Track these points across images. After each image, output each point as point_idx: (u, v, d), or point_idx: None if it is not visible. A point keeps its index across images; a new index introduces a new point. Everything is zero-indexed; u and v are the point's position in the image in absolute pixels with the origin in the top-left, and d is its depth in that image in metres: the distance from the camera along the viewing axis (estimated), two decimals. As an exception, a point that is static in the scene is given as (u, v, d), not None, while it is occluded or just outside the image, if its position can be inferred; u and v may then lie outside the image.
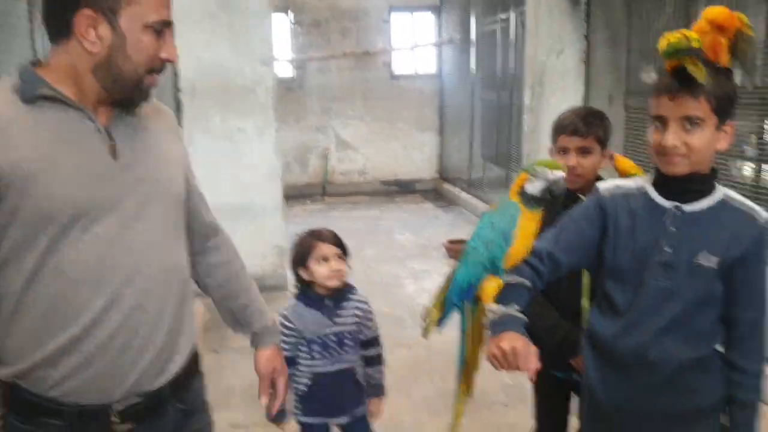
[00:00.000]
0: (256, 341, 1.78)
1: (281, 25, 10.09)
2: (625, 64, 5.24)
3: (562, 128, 2.15)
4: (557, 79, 5.64)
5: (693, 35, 1.58)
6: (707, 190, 1.62)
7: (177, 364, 1.51)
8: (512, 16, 6.96)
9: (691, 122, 1.53)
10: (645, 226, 1.63)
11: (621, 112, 5.19)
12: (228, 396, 3.66)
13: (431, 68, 10.68)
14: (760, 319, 1.66)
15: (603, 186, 1.72)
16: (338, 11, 10.11)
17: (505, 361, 1.46)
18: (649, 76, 4.93)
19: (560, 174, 1.56)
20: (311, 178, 10.39)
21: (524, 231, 1.57)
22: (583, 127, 2.09)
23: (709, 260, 1.58)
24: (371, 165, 10.51)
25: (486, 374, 1.73)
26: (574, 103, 5.68)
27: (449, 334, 1.79)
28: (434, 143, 10.67)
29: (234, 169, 5.29)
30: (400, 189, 10.56)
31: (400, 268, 6.12)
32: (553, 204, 1.67)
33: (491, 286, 1.57)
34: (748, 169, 4.16)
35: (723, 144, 1.60)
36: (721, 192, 1.63)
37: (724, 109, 1.56)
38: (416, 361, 4.12)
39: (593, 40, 5.54)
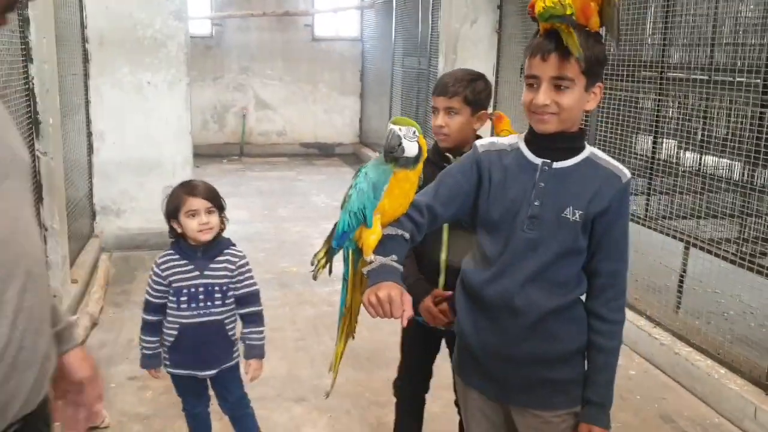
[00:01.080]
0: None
1: (201, -20, 9.84)
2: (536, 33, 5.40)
3: (434, 89, 2.27)
4: (470, 47, 5.77)
5: (567, 1, 1.69)
6: (576, 149, 1.72)
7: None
8: (432, -18, 7.02)
9: (561, 82, 1.59)
10: (516, 180, 1.70)
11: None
12: (128, 349, 3.66)
13: (354, 32, 10.66)
14: (620, 270, 1.78)
15: (479, 143, 1.77)
16: (260, -31, 9.92)
17: (381, 309, 1.47)
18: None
19: (393, 127, 1.55)
20: (229, 137, 10.26)
21: (397, 188, 1.58)
22: (450, 87, 2.19)
23: (573, 214, 1.67)
24: (290, 127, 10.46)
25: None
26: (485, 69, 5.80)
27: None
28: (356, 107, 10.71)
29: (143, 123, 5.20)
30: (320, 152, 10.57)
31: (312, 228, 6.17)
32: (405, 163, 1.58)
33: (372, 237, 1.59)
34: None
35: (591, 105, 1.70)
36: (588, 150, 1.74)
37: (593, 71, 1.64)
38: (320, 317, 4.22)
39: (506, 11, 5.68)
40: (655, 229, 4.10)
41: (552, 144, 1.69)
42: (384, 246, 1.61)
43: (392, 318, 1.48)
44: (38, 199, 3.63)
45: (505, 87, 5.74)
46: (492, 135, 2.24)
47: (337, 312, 1.80)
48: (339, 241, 1.65)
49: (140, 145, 5.22)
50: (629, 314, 3.93)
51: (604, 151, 1.78)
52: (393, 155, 1.56)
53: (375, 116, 9.92)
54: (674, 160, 4.17)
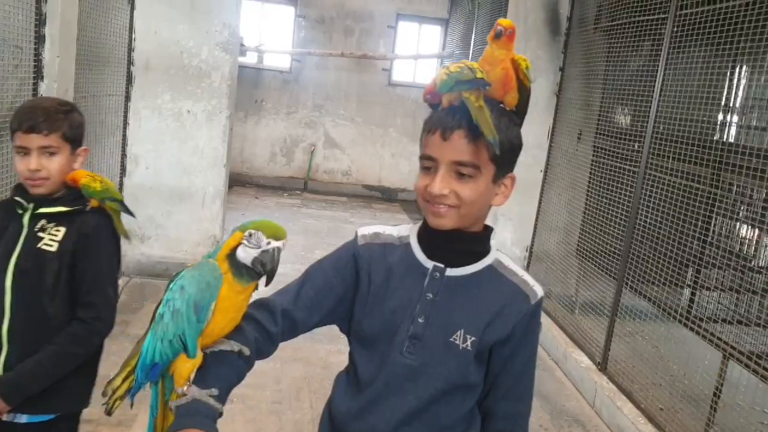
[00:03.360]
0: None
1: (286, 17, 9.99)
2: (599, 102, 5.01)
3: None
4: (525, 108, 5.42)
5: (475, 65, 1.36)
6: (477, 253, 1.37)
7: None
8: (503, 37, 6.74)
9: (464, 169, 1.27)
10: (400, 286, 1.34)
11: (589, 151, 4.97)
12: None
13: (431, 80, 10.49)
14: (521, 413, 1.40)
15: (361, 232, 1.44)
16: (345, 11, 9.98)
17: None
18: (625, 119, 4.73)
19: (278, 244, 1.19)
20: (295, 172, 10.25)
21: (227, 303, 1.19)
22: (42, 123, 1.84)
23: (465, 339, 1.31)
24: (356, 167, 10.35)
25: None
26: (539, 135, 5.49)
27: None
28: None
29: (178, 151, 5.14)
30: (382, 196, 10.40)
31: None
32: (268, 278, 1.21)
33: (182, 366, 1.19)
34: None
35: (499, 199, 1.36)
36: (492, 256, 1.38)
37: (505, 158, 1.31)
38: (307, 379, 3.93)
39: (568, 74, 5.32)
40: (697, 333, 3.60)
41: (448, 244, 1.34)
42: (206, 372, 1.20)
43: None
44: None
45: (558, 153, 5.36)
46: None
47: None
48: (149, 375, 1.21)
49: (173, 173, 5.16)
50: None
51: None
52: (265, 268, 1.18)
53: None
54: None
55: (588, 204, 4.79)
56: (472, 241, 1.36)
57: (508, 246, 5.66)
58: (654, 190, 3.88)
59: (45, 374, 1.88)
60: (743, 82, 4.00)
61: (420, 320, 1.32)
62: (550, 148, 5.49)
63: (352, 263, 1.39)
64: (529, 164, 5.54)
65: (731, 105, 4.09)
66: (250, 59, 9.67)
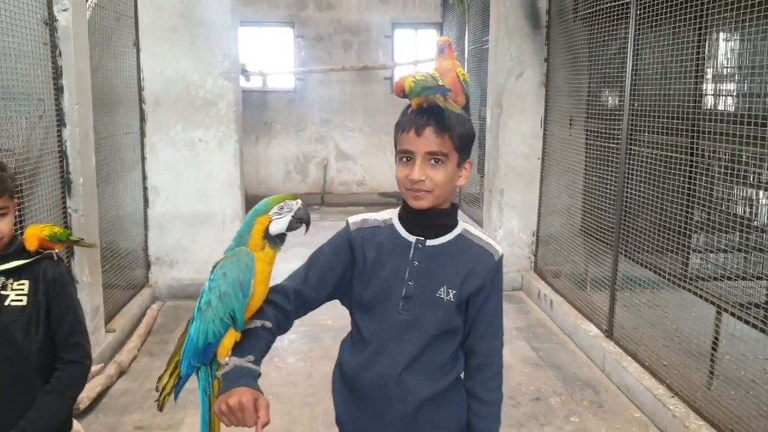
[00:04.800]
0: None
1: (285, 38, 10.36)
2: (586, 87, 5.25)
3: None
4: (516, 101, 5.69)
5: (436, 74, 1.69)
6: (449, 226, 1.69)
7: None
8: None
9: (435, 158, 1.59)
10: (390, 259, 1.65)
11: (582, 135, 5.21)
12: (145, 399, 3.81)
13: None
14: (495, 349, 1.73)
15: (351, 220, 1.73)
16: (341, 26, 10.32)
17: (234, 418, 1.37)
18: (611, 100, 4.95)
19: (299, 202, 1.56)
20: (311, 187, 10.58)
21: (261, 276, 1.50)
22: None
23: (447, 293, 1.63)
24: (370, 177, 10.65)
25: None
26: (532, 125, 5.75)
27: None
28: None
29: (194, 178, 5.49)
30: (398, 201, 10.61)
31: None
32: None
33: (228, 339, 1.47)
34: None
35: (462, 180, 1.68)
36: (461, 227, 1.70)
37: (464, 147, 1.64)
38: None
39: (553, 64, 5.57)
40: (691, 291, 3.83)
41: (426, 221, 1.67)
42: (241, 345, 1.50)
43: (246, 427, 1.37)
44: (69, 254, 3.92)
45: (553, 140, 5.61)
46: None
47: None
48: (203, 356, 1.48)
49: (192, 199, 5.51)
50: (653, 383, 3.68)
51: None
52: (302, 221, 1.55)
53: (452, 166, 9.92)
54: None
55: (586, 184, 5.03)
56: (444, 216, 1.68)
57: (515, 233, 5.91)
58: (638, 163, 4.11)
59: (51, 424, 1.99)
60: (712, 51, 4.22)
61: (410, 283, 1.64)
62: (544, 136, 5.74)
63: (348, 247, 1.69)
64: (527, 154, 5.80)
65: (702, 75, 4.31)
66: (254, 83, 10.06)
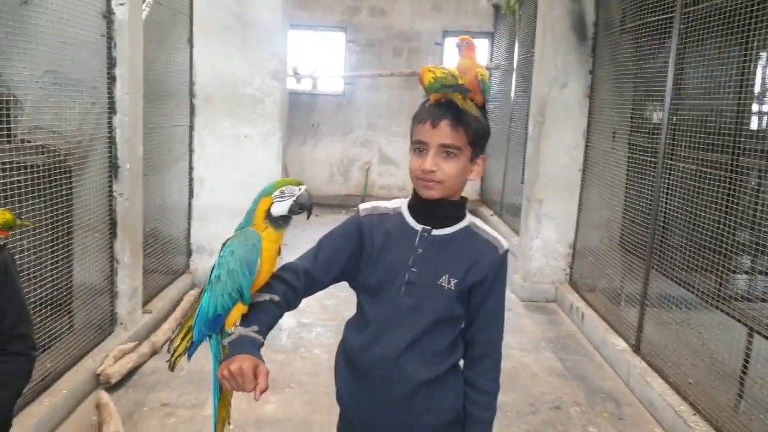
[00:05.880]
0: None
1: (337, 43, 10.54)
2: (630, 101, 5.23)
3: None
4: (559, 111, 5.69)
5: (456, 73, 1.75)
6: (457, 217, 1.74)
7: None
8: (539, 46, 7.01)
9: (448, 150, 1.65)
10: (397, 245, 1.71)
11: (624, 148, 5.18)
12: (172, 378, 3.95)
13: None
14: (495, 340, 1.78)
15: (362, 207, 1.80)
16: (392, 32, 10.45)
17: (234, 382, 1.42)
18: (656, 115, 4.91)
19: (303, 187, 1.61)
20: (352, 189, 10.71)
21: (268, 254, 1.57)
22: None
23: (449, 282, 1.68)
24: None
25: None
26: (574, 136, 5.74)
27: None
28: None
29: (238, 172, 5.65)
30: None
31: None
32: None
33: (236, 312, 1.56)
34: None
35: (474, 175, 1.74)
36: (468, 220, 1.76)
37: (478, 142, 1.70)
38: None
39: (598, 76, 5.56)
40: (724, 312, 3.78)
41: (434, 211, 1.72)
42: (248, 316, 1.58)
43: (245, 392, 1.42)
44: (112, 235, 4.10)
45: (595, 152, 5.59)
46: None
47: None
48: (212, 326, 1.57)
49: (235, 192, 5.65)
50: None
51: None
52: (303, 207, 1.60)
53: (497, 174, 9.89)
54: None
55: (627, 198, 4.99)
56: (452, 208, 1.74)
57: (552, 243, 5.90)
58: (676, 178, 4.07)
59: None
60: (758, 69, 4.17)
61: (414, 269, 1.69)
62: (586, 148, 5.72)
63: (357, 231, 1.75)
64: (568, 164, 5.79)
65: (747, 93, 4.25)
66: (305, 86, 10.25)
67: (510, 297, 5.89)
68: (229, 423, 1.68)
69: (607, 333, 4.70)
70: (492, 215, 9.42)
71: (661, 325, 4.20)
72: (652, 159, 4.47)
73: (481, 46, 10.76)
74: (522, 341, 4.93)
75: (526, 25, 7.86)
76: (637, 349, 4.29)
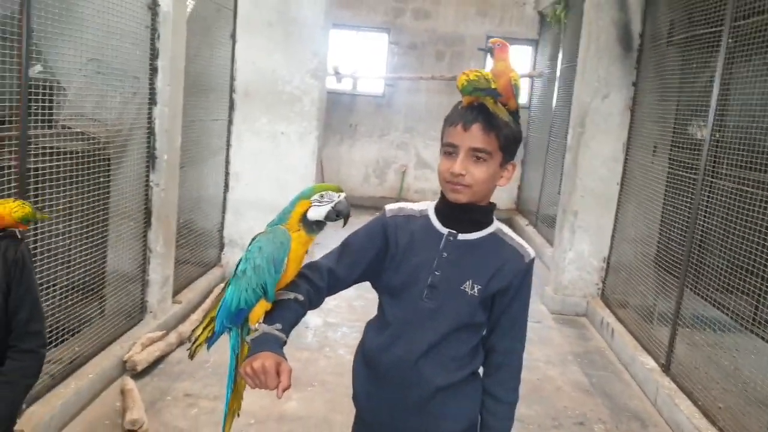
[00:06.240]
0: None
1: (380, 44, 10.55)
2: (673, 115, 5.11)
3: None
4: (600, 122, 5.59)
5: (490, 76, 1.72)
6: (484, 222, 1.71)
7: None
8: (583, 56, 6.92)
9: (480, 154, 1.62)
10: (421, 247, 1.69)
11: (665, 163, 5.08)
12: (196, 369, 3.99)
13: (522, 99, 10.72)
14: (516, 349, 1.75)
15: (388, 208, 1.79)
16: (436, 36, 10.42)
17: (257, 380, 1.41)
18: (699, 131, 4.80)
19: (343, 195, 1.59)
20: (387, 192, 10.71)
21: (295, 255, 1.55)
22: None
23: (472, 288, 1.66)
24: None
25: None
26: (614, 148, 5.64)
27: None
28: (516, 174, 10.64)
29: (273, 168, 5.69)
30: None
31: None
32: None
33: (259, 308, 1.55)
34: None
35: (503, 181, 1.71)
36: (495, 226, 1.73)
37: (510, 148, 1.67)
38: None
39: (642, 88, 5.45)
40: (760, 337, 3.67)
41: (461, 215, 1.70)
42: (272, 314, 1.57)
43: (268, 389, 1.42)
44: (146, 224, 4.15)
45: (634, 166, 5.48)
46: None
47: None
48: (234, 319, 1.56)
49: (269, 188, 5.70)
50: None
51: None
52: (340, 215, 1.57)
53: (534, 184, 9.79)
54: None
55: (664, 215, 4.89)
56: (480, 213, 1.71)
57: (585, 257, 5.81)
58: (716, 197, 3.97)
59: (3, 416, 1.89)
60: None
61: (437, 273, 1.67)
62: (626, 161, 5.62)
63: (382, 232, 1.74)
64: (606, 177, 5.69)
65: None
66: (345, 86, 10.28)
67: (540, 309, 5.81)
68: (238, 415, 1.68)
69: (636, 351, 4.60)
70: (527, 225, 9.32)
71: (692, 346, 4.10)
72: (692, 175, 4.37)
73: (525, 53, 10.68)
74: (549, 354, 4.86)
75: (571, 34, 7.76)
76: (666, 369, 4.20)
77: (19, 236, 1.98)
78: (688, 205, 4.28)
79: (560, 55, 8.53)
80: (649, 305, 4.87)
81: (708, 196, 4.04)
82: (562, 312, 5.82)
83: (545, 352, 4.89)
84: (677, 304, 4.21)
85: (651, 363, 4.37)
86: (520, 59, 10.66)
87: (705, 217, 4.05)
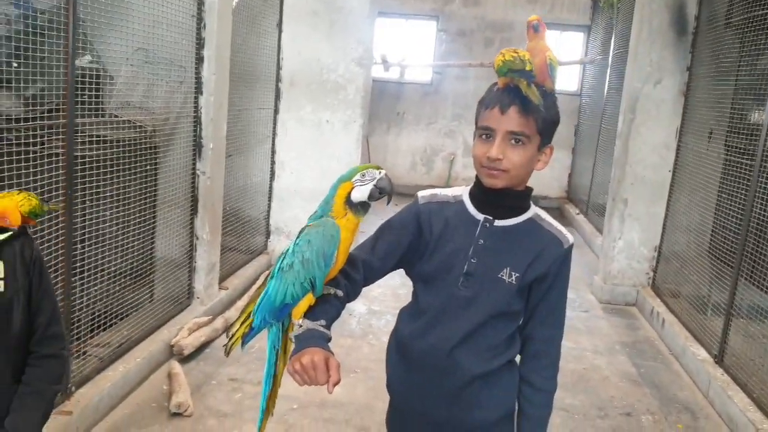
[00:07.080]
0: None
1: (428, 32, 10.48)
2: (730, 100, 4.93)
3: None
4: (651, 108, 5.43)
5: (527, 57, 1.67)
6: (521, 208, 1.66)
7: None
8: (635, 40, 6.72)
9: (516, 138, 1.57)
10: (456, 234, 1.65)
11: (720, 150, 4.90)
12: (242, 354, 4.02)
13: (574, 86, 10.51)
14: (555, 337, 1.70)
15: (421, 194, 1.73)
16: (485, 23, 10.29)
17: (306, 376, 1.39)
18: (756, 115, 4.61)
19: (384, 172, 1.55)
20: (434, 180, 10.66)
21: (344, 246, 1.51)
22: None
23: (510, 275, 1.61)
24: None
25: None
26: (666, 135, 5.48)
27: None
28: (566, 162, 10.46)
29: (318, 156, 5.72)
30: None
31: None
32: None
33: (304, 303, 1.51)
34: None
35: (541, 165, 1.65)
36: (532, 211, 1.67)
37: (547, 131, 1.62)
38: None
39: (696, 73, 5.26)
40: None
41: (497, 200, 1.65)
42: (314, 309, 1.53)
43: (318, 385, 1.39)
44: (193, 211, 4.23)
45: (687, 153, 5.31)
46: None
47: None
48: (278, 314, 1.52)
49: (313, 176, 5.74)
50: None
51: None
52: (384, 192, 1.53)
53: (585, 172, 9.59)
54: None
55: (719, 203, 4.72)
56: (517, 198, 1.66)
57: (635, 246, 5.67)
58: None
59: (37, 423, 1.82)
60: None
61: (473, 260, 1.63)
62: (678, 148, 5.45)
63: (415, 220, 1.70)
64: (657, 164, 5.53)
65: None
66: (392, 74, 10.24)
67: (589, 298, 5.70)
68: (272, 414, 1.64)
69: (687, 341, 4.47)
70: (578, 214, 9.15)
71: (747, 337, 3.96)
72: (749, 161, 4.21)
73: (577, 39, 10.46)
74: (596, 343, 4.76)
75: (624, 19, 7.55)
76: (719, 360, 4.07)
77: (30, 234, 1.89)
78: (744, 192, 4.13)
79: (612, 41, 8.31)
80: (702, 295, 4.73)
81: (765, 183, 3.88)
82: (611, 301, 5.69)
83: (593, 341, 4.79)
84: (731, 294, 4.07)
85: (703, 354, 4.24)
86: (572, 46, 10.45)
87: (762, 204, 3.90)
